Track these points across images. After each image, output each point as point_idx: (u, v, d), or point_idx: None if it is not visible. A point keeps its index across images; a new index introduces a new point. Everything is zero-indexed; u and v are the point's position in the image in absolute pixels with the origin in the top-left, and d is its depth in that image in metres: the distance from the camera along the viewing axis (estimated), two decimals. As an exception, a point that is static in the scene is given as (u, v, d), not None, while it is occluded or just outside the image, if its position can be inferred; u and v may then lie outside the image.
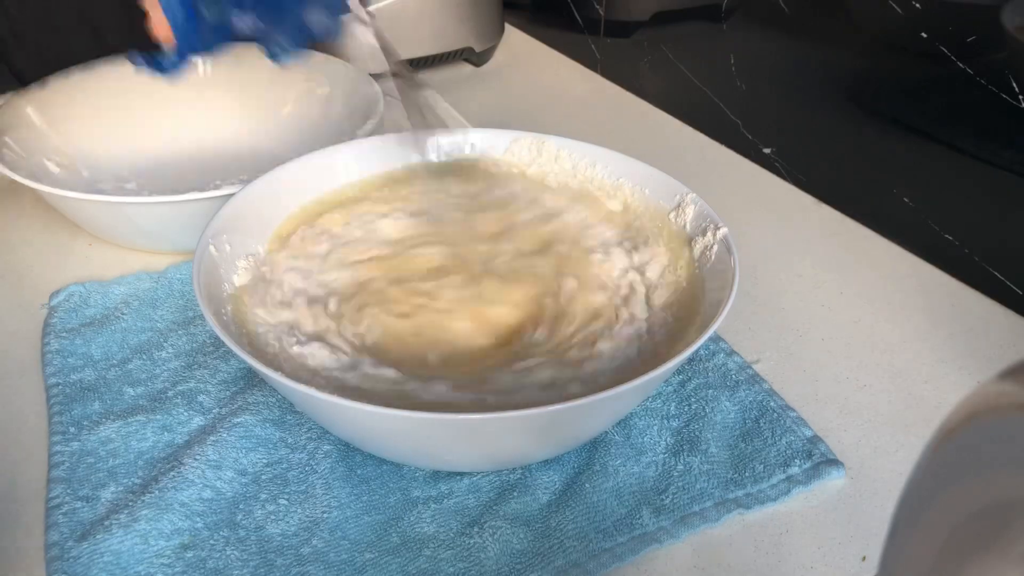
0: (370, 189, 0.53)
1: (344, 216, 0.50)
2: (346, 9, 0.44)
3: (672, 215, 0.49)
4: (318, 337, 0.42)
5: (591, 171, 0.53)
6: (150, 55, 0.41)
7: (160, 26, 0.39)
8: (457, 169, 0.55)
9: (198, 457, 0.40)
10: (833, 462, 0.41)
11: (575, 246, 0.49)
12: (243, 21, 0.41)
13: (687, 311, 0.44)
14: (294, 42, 0.43)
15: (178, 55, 0.41)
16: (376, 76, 0.64)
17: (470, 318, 0.44)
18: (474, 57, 0.82)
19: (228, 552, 0.36)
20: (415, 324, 0.43)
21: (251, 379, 0.45)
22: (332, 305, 0.44)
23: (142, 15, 0.38)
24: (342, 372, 0.40)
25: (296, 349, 0.41)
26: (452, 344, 0.43)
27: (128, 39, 0.40)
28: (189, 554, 0.36)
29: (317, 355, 0.41)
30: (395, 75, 0.45)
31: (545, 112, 0.76)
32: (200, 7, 0.39)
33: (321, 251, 0.48)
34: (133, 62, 0.41)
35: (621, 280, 0.47)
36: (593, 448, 0.41)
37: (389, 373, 0.40)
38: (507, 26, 0.88)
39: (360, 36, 0.44)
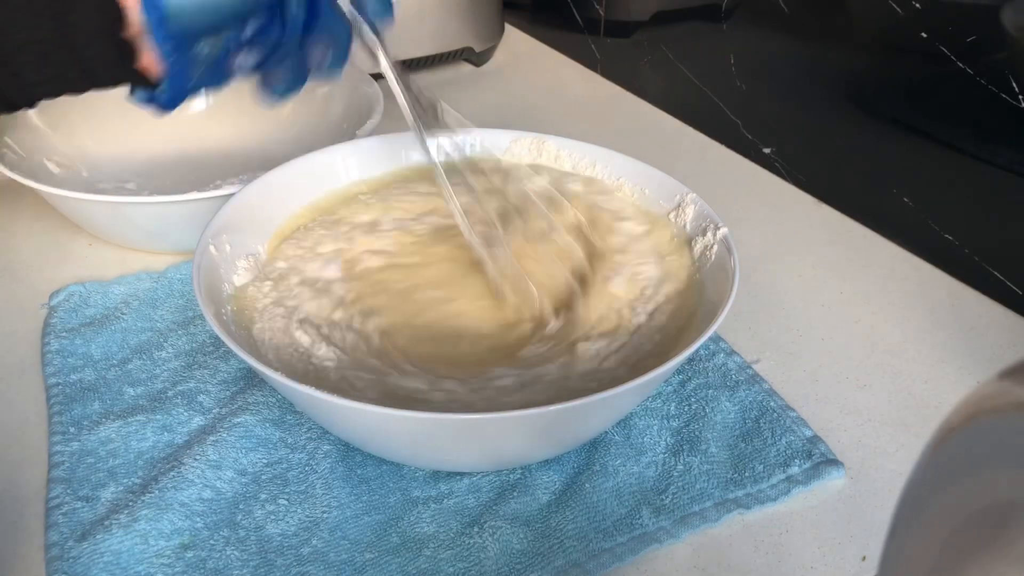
0: (375, 188, 0.53)
1: (351, 214, 0.50)
2: (349, 51, 0.42)
3: (672, 215, 0.49)
4: (324, 336, 0.42)
5: (591, 171, 0.53)
6: (145, 90, 0.39)
7: (152, 65, 0.38)
8: (462, 168, 0.55)
9: (198, 457, 0.40)
10: (833, 462, 0.41)
11: (584, 244, 0.49)
12: (243, 59, 0.39)
13: (687, 311, 0.44)
14: (294, 80, 0.41)
15: (171, 93, 0.39)
16: (376, 76, 0.64)
17: (478, 315, 0.44)
18: (474, 57, 0.82)
19: (228, 552, 0.36)
20: (424, 318, 0.43)
21: (251, 379, 0.45)
22: (340, 304, 0.44)
23: (132, 51, 0.37)
24: (349, 369, 0.40)
25: (301, 344, 0.41)
26: (460, 338, 0.43)
27: (119, 74, 0.38)
28: (189, 554, 0.36)
29: (321, 354, 0.41)
30: (398, 81, 0.44)
31: (545, 112, 0.76)
32: (197, 45, 0.38)
33: (330, 249, 0.48)
34: (130, 94, 0.40)
35: (624, 279, 0.47)
36: (593, 448, 0.41)
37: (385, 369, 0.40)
38: (507, 26, 0.88)
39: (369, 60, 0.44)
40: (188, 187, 0.52)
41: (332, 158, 0.52)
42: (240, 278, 0.45)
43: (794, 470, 0.40)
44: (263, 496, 0.39)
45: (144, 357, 0.46)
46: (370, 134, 0.56)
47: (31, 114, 0.60)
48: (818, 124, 0.63)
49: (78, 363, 0.46)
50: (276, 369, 0.36)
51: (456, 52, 0.80)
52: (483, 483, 0.40)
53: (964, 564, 0.16)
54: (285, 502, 0.38)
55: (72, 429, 0.42)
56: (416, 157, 0.55)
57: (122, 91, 0.60)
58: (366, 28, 0.42)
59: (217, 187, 0.51)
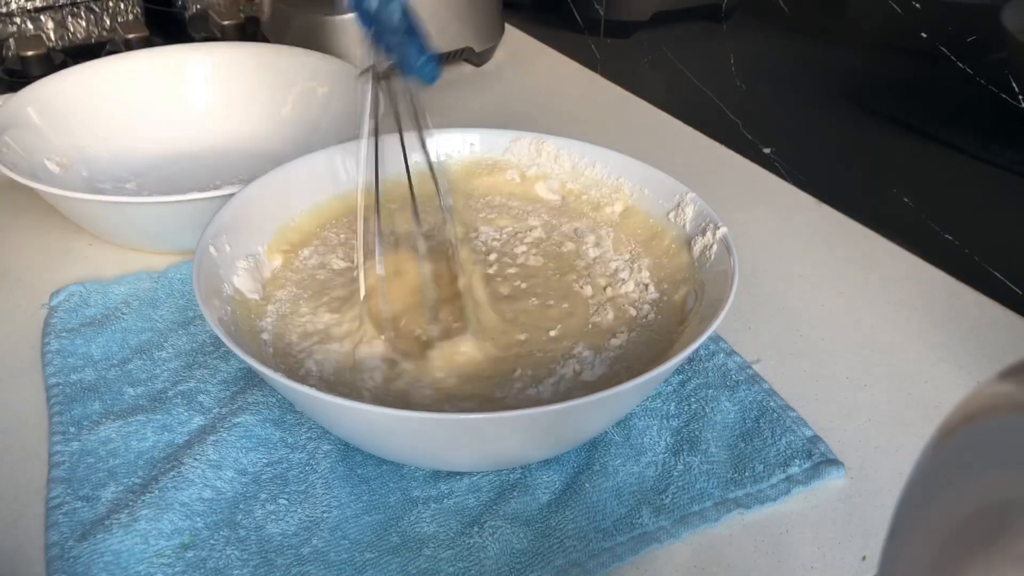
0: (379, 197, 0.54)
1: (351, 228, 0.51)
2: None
3: (671, 215, 0.49)
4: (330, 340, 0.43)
5: (591, 171, 0.53)
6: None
7: None
8: (458, 175, 0.55)
9: (198, 457, 0.40)
10: (833, 462, 0.41)
11: (573, 254, 0.50)
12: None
13: (686, 311, 0.44)
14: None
15: None
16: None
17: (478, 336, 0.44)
18: (474, 57, 0.82)
19: (228, 552, 0.36)
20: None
21: (251, 379, 0.45)
22: (344, 315, 0.45)
23: None
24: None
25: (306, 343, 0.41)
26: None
27: None
28: (189, 554, 0.36)
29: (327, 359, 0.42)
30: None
31: (545, 112, 0.76)
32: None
33: (331, 263, 0.48)
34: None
35: (620, 280, 0.47)
36: (593, 448, 0.41)
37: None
38: (507, 26, 0.88)
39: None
40: (188, 187, 0.52)
41: (332, 158, 0.52)
42: (240, 279, 0.45)
43: (794, 470, 0.40)
44: (263, 496, 0.39)
45: (144, 357, 0.46)
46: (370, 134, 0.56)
47: (31, 113, 0.60)
48: (818, 124, 0.63)
49: (78, 363, 0.46)
50: (276, 369, 0.36)
51: (456, 52, 0.80)
52: (483, 483, 0.40)
53: (964, 564, 0.17)
54: (285, 502, 0.38)
55: (72, 429, 0.42)
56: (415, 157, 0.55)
57: (122, 92, 0.60)
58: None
59: (217, 187, 0.51)
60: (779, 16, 0.63)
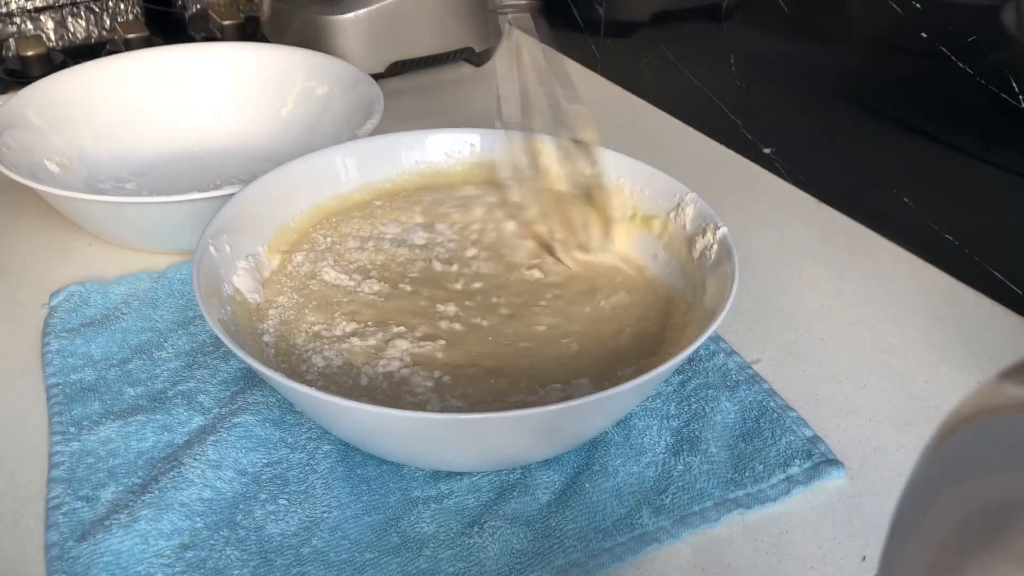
0: (377, 195, 0.54)
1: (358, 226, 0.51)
2: None
3: (672, 215, 0.49)
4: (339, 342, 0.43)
5: (590, 171, 0.53)
6: None
7: None
8: (458, 174, 0.55)
9: (198, 457, 0.40)
10: (833, 462, 0.41)
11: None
12: None
13: (686, 310, 0.44)
14: None
15: None
16: (376, 76, 0.64)
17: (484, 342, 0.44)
18: (474, 57, 0.82)
19: (228, 552, 0.36)
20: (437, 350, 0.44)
21: (251, 379, 0.45)
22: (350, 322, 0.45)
23: None
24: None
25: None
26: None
27: None
28: (189, 554, 0.36)
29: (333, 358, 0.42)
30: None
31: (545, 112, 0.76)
32: None
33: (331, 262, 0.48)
34: None
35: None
36: (593, 448, 0.41)
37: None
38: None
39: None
40: (188, 187, 0.52)
41: (332, 158, 0.52)
42: (240, 279, 0.45)
43: (794, 470, 0.40)
44: (263, 496, 0.39)
45: (144, 357, 0.46)
46: (370, 134, 0.56)
47: (31, 114, 0.60)
48: (818, 124, 0.63)
49: (78, 363, 0.46)
50: (276, 369, 0.36)
51: (456, 52, 0.80)
52: (483, 483, 0.40)
53: (964, 564, 0.16)
54: (285, 502, 0.38)
55: (72, 429, 0.42)
56: (415, 157, 0.55)
57: (122, 92, 0.60)
58: None
59: (217, 187, 0.51)
60: (779, 16, 0.63)
